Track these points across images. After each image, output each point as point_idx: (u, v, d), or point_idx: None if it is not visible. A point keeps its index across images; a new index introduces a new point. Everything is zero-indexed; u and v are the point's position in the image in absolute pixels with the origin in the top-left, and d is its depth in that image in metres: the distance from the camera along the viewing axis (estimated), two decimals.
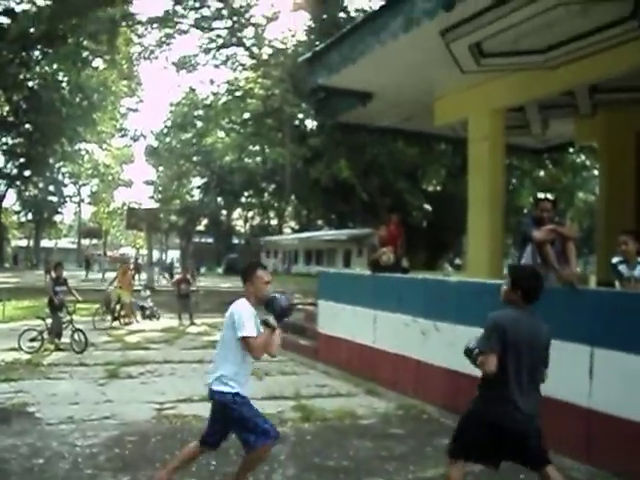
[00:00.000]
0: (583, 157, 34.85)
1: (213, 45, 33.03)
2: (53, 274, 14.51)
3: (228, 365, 5.15)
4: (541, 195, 7.79)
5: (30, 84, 51.05)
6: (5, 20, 44.31)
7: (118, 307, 18.12)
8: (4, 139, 61.21)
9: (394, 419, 8.12)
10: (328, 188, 37.17)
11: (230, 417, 5.17)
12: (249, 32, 32.55)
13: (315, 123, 33.90)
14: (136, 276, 29.71)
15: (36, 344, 13.12)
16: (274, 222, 77.11)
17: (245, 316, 5.09)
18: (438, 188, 38.61)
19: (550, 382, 6.81)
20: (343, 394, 9.41)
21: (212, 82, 40.15)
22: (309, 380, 10.32)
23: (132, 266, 23.73)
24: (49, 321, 13.72)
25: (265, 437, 5.12)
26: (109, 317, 17.95)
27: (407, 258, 11.99)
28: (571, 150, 28.47)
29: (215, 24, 32.03)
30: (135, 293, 19.92)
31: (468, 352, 4.85)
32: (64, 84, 52.01)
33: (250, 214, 78.55)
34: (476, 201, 12.14)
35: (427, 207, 37.30)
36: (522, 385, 4.63)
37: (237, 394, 5.12)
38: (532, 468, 4.76)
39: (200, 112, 42.44)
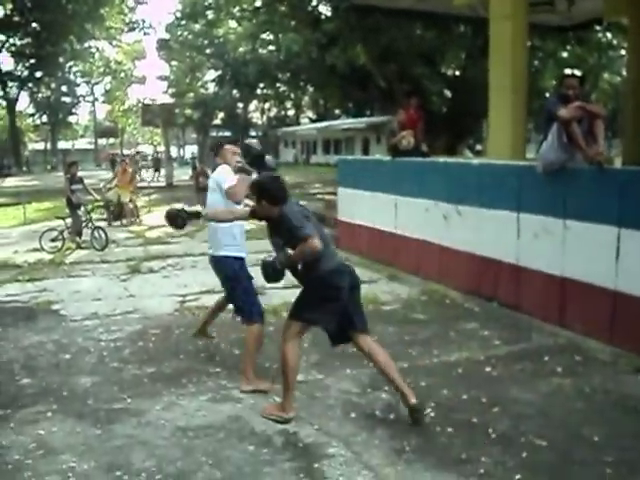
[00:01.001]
0: (610, 35, 33.43)
1: None
2: (68, 173, 14.43)
3: None
4: (568, 71, 7.40)
5: None
6: None
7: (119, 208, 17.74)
8: (11, 40, 60.07)
9: (417, 304, 8.08)
10: (344, 75, 36.30)
11: None
12: None
13: (329, 7, 32.80)
14: (146, 173, 29.51)
15: (57, 244, 13.19)
16: (291, 113, 76.11)
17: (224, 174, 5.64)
18: (457, 72, 37.58)
19: (576, 264, 6.73)
20: (365, 280, 9.26)
21: None
22: None
23: (141, 163, 23.08)
24: (69, 220, 13.75)
25: None
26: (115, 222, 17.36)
27: (426, 143, 11.69)
28: (598, 28, 27.34)
29: None
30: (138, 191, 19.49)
31: (276, 264, 4.75)
32: None
33: (267, 105, 77.41)
34: (497, 84, 11.70)
35: (446, 92, 36.41)
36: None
37: None
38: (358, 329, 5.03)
39: (210, 1, 41.05)
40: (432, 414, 4.81)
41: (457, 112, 34.86)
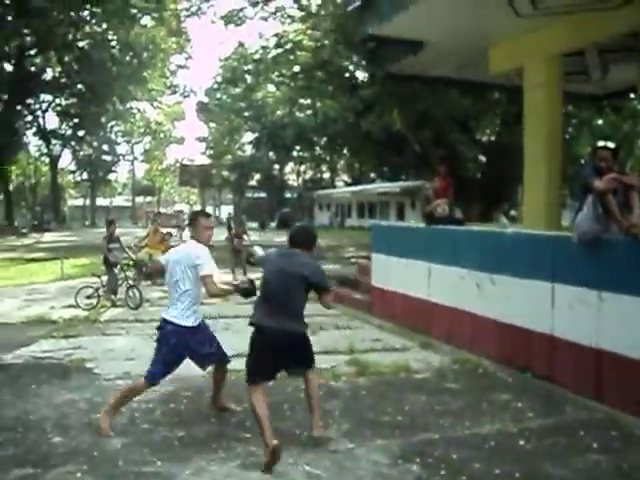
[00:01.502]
0: None
1: None
2: (106, 232, 14.64)
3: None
4: (600, 143, 7.46)
5: (80, 44, 51.51)
6: None
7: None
8: (58, 100, 62.14)
9: (449, 373, 8.01)
10: (380, 140, 36.73)
11: None
12: None
13: (366, 74, 33.37)
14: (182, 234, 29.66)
15: (93, 301, 13.37)
16: (326, 175, 76.87)
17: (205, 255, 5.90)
18: (492, 138, 37.84)
19: (611, 336, 6.66)
20: (397, 348, 9.32)
21: (261, 36, 39.80)
22: (363, 334, 10.27)
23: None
24: (104, 278, 13.93)
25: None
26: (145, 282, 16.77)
27: (460, 210, 11.75)
28: (632, 96, 27.45)
29: None
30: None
31: None
32: (114, 43, 52.36)
33: (302, 168, 78.37)
34: (532, 151, 11.81)
35: (481, 158, 36.62)
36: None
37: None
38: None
39: (249, 66, 42.09)
40: None
41: (492, 178, 34.99)
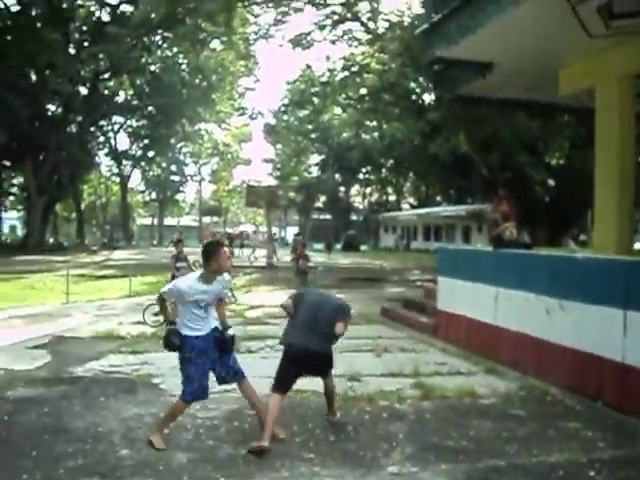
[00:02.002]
0: None
1: (328, 21, 32.96)
2: (174, 250, 14.84)
3: None
4: None
5: (152, 68, 52.94)
6: (128, 8, 46.11)
7: None
8: (129, 122, 63.97)
9: (516, 400, 7.84)
10: (447, 163, 36.56)
11: None
12: (364, 6, 32.29)
13: (433, 97, 33.34)
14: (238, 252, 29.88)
15: (160, 318, 13.57)
16: (392, 198, 76.76)
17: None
18: (561, 161, 37.23)
19: None
20: (463, 372, 9.19)
21: (328, 59, 40.14)
22: (428, 358, 10.15)
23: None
24: None
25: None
26: None
27: (527, 233, 11.58)
28: None
29: (330, 0, 31.94)
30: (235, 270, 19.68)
31: None
32: (184, 66, 53.65)
33: (368, 190, 78.47)
34: (603, 174, 11.57)
35: (550, 181, 36.03)
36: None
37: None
38: None
39: (317, 89, 42.50)
40: None
41: (560, 201, 34.38)
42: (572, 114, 23.60)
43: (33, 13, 45.72)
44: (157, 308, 13.59)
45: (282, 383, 6.42)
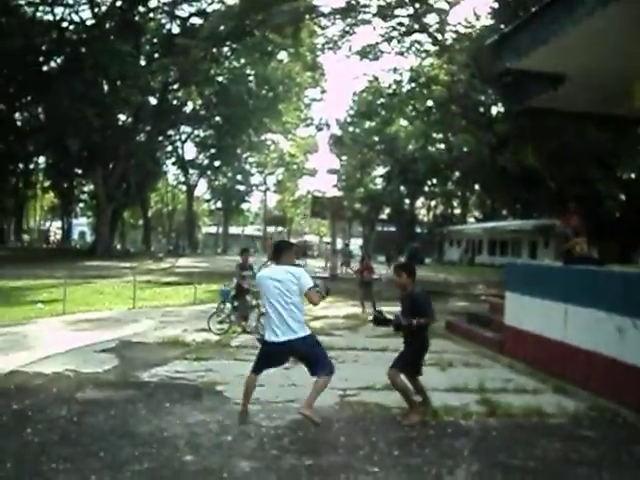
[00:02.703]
0: None
1: (395, 33, 32.92)
2: (240, 260, 14.93)
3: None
4: None
5: (220, 79, 53.77)
6: (198, 20, 47.06)
7: None
8: (196, 132, 65.11)
9: (585, 420, 7.61)
10: (514, 176, 36.01)
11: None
12: (432, 18, 32.16)
13: (501, 109, 32.93)
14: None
15: (224, 326, 13.70)
16: (457, 211, 76.06)
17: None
18: (633, 175, 36.27)
19: None
20: (529, 390, 8.97)
21: (395, 70, 40.04)
22: (494, 374, 9.95)
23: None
24: (236, 304, 14.25)
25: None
26: None
27: (597, 250, 11.28)
28: None
29: (397, 11, 31.91)
30: None
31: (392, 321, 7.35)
32: (251, 77, 54.33)
33: (433, 203, 77.94)
34: None
35: (620, 196, 35.13)
36: None
37: None
38: None
39: (383, 100, 42.45)
40: None
41: (632, 217, 33.43)
42: None
43: (107, 26, 47.00)
44: (222, 316, 13.79)
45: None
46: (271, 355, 7.05)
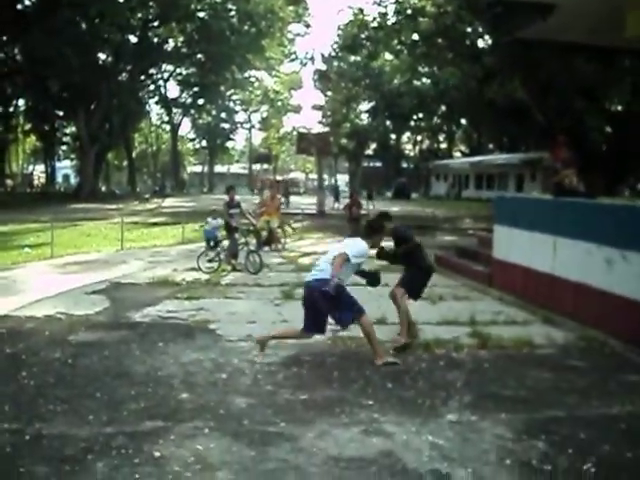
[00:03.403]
0: None
1: None
2: (227, 197, 14.80)
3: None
4: None
5: (201, 15, 52.58)
6: None
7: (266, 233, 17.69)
8: (178, 70, 64.05)
9: (574, 350, 7.73)
10: (501, 109, 35.77)
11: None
12: None
13: (488, 41, 32.51)
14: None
15: (214, 265, 13.70)
16: (443, 146, 75.78)
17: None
18: (620, 108, 36.11)
19: None
20: (519, 322, 9.08)
21: (380, 3, 39.16)
22: (483, 306, 10.04)
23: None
24: (225, 243, 14.23)
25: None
26: (266, 248, 17.17)
27: (584, 183, 11.26)
28: None
29: None
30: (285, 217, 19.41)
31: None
32: (233, 13, 53.10)
33: (419, 138, 77.55)
34: None
35: (607, 128, 35.00)
36: None
37: None
38: None
39: (369, 34, 41.70)
40: (593, 470, 4.55)
41: (618, 150, 33.40)
42: (636, 59, 22.82)
43: None
44: (211, 254, 13.77)
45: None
46: None
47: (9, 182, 68.63)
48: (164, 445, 4.82)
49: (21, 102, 61.30)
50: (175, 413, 5.46)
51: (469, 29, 32.48)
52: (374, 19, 39.92)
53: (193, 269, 13.60)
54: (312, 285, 6.94)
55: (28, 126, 64.09)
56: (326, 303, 6.78)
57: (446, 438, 5.00)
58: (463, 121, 63.15)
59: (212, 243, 14.23)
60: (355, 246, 7.02)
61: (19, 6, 47.78)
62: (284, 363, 6.93)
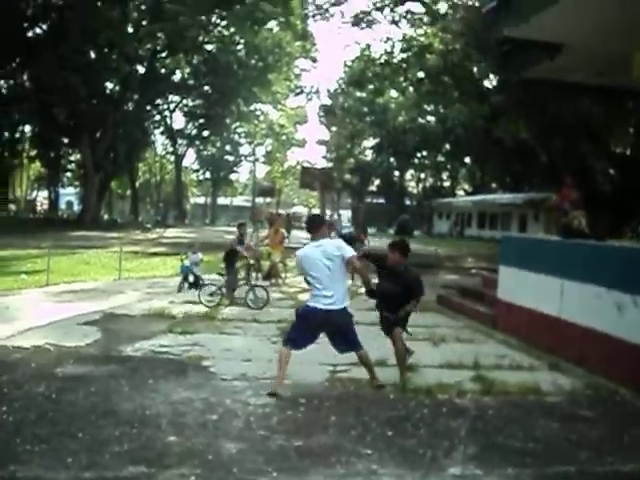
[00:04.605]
0: None
1: (388, 1, 32.31)
2: (237, 233, 14.71)
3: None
4: None
5: (209, 47, 52.90)
6: None
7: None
8: (185, 101, 64.28)
9: (583, 399, 7.38)
10: (507, 148, 35.69)
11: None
12: None
13: (494, 81, 32.51)
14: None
15: (215, 298, 13.37)
16: (447, 184, 75.76)
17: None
18: (625, 151, 35.98)
19: None
20: (525, 367, 8.72)
21: (387, 40, 39.38)
22: (487, 350, 9.70)
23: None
24: (225, 278, 13.98)
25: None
26: (266, 282, 16.52)
27: (588, 224, 11.00)
28: None
29: None
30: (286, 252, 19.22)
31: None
32: (240, 46, 53.42)
33: (423, 175, 77.59)
34: None
35: (611, 171, 34.84)
36: None
37: None
38: None
39: (376, 69, 41.78)
40: None
41: (623, 192, 33.18)
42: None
43: None
44: (213, 288, 13.46)
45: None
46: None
47: (12, 207, 68.59)
48: None
49: (27, 128, 61.52)
50: (160, 457, 5.11)
51: (476, 68, 32.49)
52: (381, 55, 40.07)
53: (190, 302, 13.31)
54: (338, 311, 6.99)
55: (33, 152, 64.19)
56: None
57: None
58: (467, 159, 63.13)
59: (190, 278, 14.21)
60: (343, 244, 7.16)
61: (29, 33, 48.11)
62: (279, 405, 6.58)
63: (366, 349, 7.22)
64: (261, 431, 5.83)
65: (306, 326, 7.08)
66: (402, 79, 40.18)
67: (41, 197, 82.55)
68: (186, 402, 6.59)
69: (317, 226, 7.20)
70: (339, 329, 7.07)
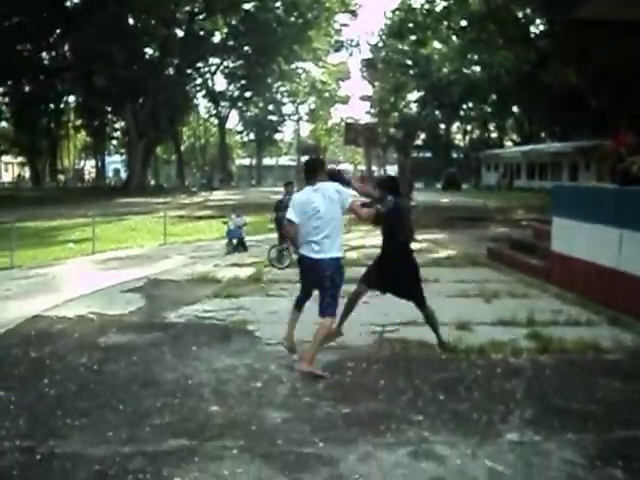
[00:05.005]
0: None
1: None
2: (284, 192, 14.37)
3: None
4: None
5: (246, 6, 52.35)
6: None
7: None
8: (225, 63, 63.97)
9: None
10: (555, 95, 34.57)
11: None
12: None
13: (540, 27, 31.38)
14: None
15: (285, 259, 13.06)
16: (494, 135, 74.22)
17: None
18: None
19: None
20: (582, 323, 8.28)
21: None
22: (542, 304, 9.26)
23: None
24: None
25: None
26: None
27: None
28: None
29: None
30: None
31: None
32: (278, 4, 52.73)
33: (469, 127, 76.16)
34: None
35: None
36: None
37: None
38: None
39: (418, 19, 40.68)
40: None
41: None
42: None
43: None
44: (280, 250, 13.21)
45: None
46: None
47: (61, 177, 69.61)
48: (186, 469, 4.28)
49: (71, 99, 62.09)
50: (202, 429, 4.93)
51: (520, 11, 31.34)
52: (422, 5, 39.04)
53: (235, 264, 13.14)
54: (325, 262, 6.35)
55: (78, 122, 64.84)
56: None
57: (506, 463, 4.35)
58: (514, 109, 61.61)
59: (235, 242, 13.89)
60: (342, 188, 6.56)
61: (68, 3, 48.21)
62: (325, 370, 6.31)
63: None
64: (307, 398, 5.61)
65: (302, 278, 6.78)
66: (445, 28, 39.11)
67: (89, 166, 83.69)
68: (229, 369, 6.41)
69: (315, 169, 6.68)
70: (320, 280, 6.41)
